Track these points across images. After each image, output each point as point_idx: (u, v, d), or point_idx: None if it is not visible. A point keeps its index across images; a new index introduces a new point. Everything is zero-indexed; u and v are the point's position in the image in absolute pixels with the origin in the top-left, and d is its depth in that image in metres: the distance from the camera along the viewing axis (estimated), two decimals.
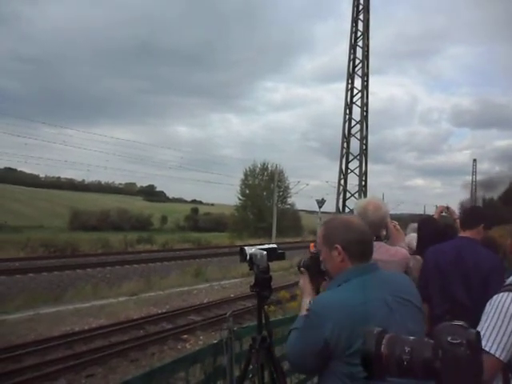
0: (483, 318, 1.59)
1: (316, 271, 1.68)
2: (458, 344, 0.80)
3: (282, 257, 1.92)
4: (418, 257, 3.07)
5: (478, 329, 1.55)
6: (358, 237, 1.54)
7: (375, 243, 2.44)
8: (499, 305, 1.55)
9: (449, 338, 0.81)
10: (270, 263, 1.82)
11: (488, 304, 1.62)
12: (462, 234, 2.86)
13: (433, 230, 3.33)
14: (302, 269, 1.79)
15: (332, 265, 1.57)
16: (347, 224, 1.58)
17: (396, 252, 2.57)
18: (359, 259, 1.53)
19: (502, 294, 1.60)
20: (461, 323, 0.85)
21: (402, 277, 1.72)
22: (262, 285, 1.75)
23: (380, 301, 1.43)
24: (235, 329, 1.84)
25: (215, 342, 1.91)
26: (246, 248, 1.79)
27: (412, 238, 3.70)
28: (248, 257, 1.77)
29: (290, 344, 1.56)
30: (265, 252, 1.78)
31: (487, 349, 1.47)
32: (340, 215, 1.71)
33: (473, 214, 2.93)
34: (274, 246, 1.90)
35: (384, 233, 2.75)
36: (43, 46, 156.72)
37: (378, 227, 2.48)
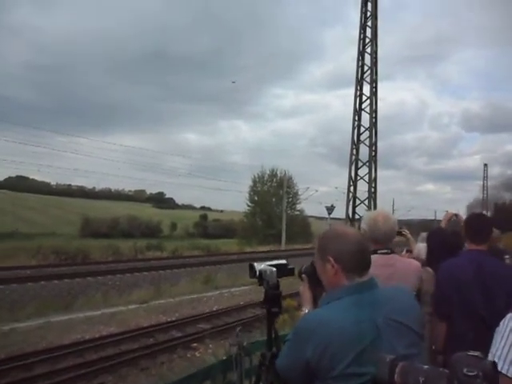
0: (497, 337, 1.54)
1: (316, 279, 1.62)
2: (474, 376, 0.78)
3: (291, 273, 1.90)
4: (429, 269, 3.02)
5: (492, 348, 1.52)
6: (352, 248, 1.45)
7: (389, 256, 2.41)
8: None
9: (465, 370, 0.79)
10: (279, 279, 1.80)
11: (502, 323, 1.57)
12: (471, 246, 2.76)
13: (442, 242, 3.27)
14: (302, 275, 1.75)
15: (326, 278, 1.51)
16: (341, 235, 1.50)
17: (410, 264, 2.53)
18: (354, 272, 1.45)
19: None
20: (476, 354, 0.83)
21: (404, 295, 1.58)
22: (272, 301, 1.73)
23: (369, 323, 1.36)
24: (245, 344, 1.82)
25: (225, 358, 1.89)
26: (255, 264, 1.77)
27: (421, 248, 3.65)
28: (257, 273, 1.76)
29: (280, 356, 1.53)
30: (274, 268, 1.77)
31: (503, 371, 1.42)
32: (335, 226, 1.64)
33: (482, 228, 2.80)
34: (284, 261, 1.88)
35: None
36: (55, 55, 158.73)
37: (389, 238, 2.45)
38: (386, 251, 2.40)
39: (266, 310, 1.75)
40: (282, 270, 1.84)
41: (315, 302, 1.66)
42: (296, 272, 1.90)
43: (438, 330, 2.70)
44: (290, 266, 1.89)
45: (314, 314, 1.49)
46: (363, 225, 2.47)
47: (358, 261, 1.46)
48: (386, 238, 2.40)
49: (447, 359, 2.62)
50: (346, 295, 1.41)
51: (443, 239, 3.32)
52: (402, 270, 2.38)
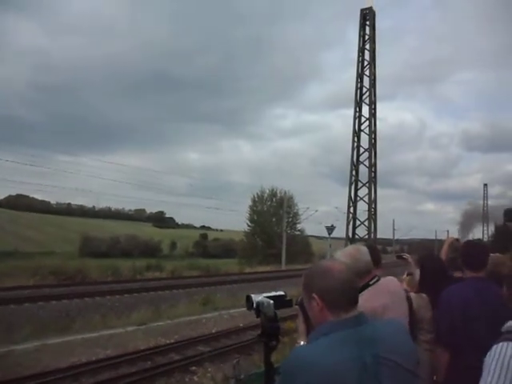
0: (485, 371, 1.50)
1: None
2: None
3: (289, 304, 1.89)
4: (424, 295, 3.00)
5: (481, 383, 1.50)
6: (337, 285, 1.41)
7: (378, 285, 2.39)
8: (500, 357, 1.47)
9: None
10: (277, 311, 1.80)
11: (488, 355, 1.53)
12: (469, 274, 2.75)
13: (435, 267, 3.26)
14: (297, 306, 1.72)
15: (312, 314, 1.48)
16: (326, 271, 1.45)
17: (398, 287, 2.53)
18: (339, 309, 1.40)
19: (501, 344, 1.52)
20: None
21: (397, 331, 1.50)
22: (270, 334, 1.73)
23: (357, 361, 1.30)
24: (242, 377, 1.81)
25: None
26: (252, 296, 1.77)
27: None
28: (255, 305, 1.75)
29: None
30: (272, 301, 1.77)
31: None
32: (321, 262, 1.60)
33: (479, 255, 2.80)
34: (282, 293, 1.87)
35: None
36: (59, 76, 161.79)
37: (371, 266, 2.38)
38: (376, 279, 2.38)
39: (263, 343, 1.74)
40: (280, 302, 1.83)
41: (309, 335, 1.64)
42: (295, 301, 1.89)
43: (440, 359, 2.66)
44: (287, 298, 1.89)
45: (299, 351, 1.46)
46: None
47: (343, 297, 1.41)
48: (370, 267, 2.37)
49: None
50: (332, 331, 1.36)
51: (436, 265, 3.31)
52: (395, 297, 2.38)
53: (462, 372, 2.49)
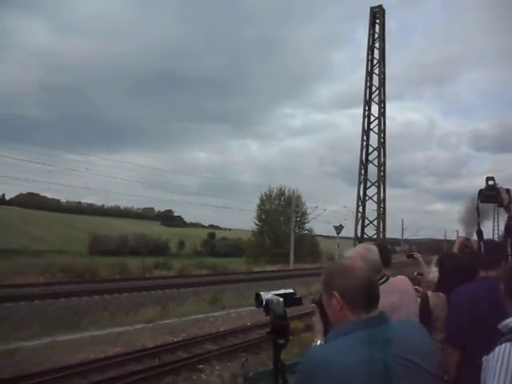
0: (489, 372, 1.46)
1: None
2: None
3: (299, 302, 1.86)
4: (441, 294, 2.96)
5: None
6: (358, 283, 1.39)
7: (388, 284, 2.37)
8: (504, 358, 1.44)
9: None
10: (286, 309, 1.77)
11: (491, 357, 1.49)
12: (485, 273, 2.71)
13: (454, 267, 3.21)
14: (313, 305, 1.69)
15: (332, 312, 1.45)
16: (347, 269, 1.43)
17: (408, 286, 2.50)
18: (361, 308, 1.38)
19: (504, 344, 1.48)
20: None
21: (417, 332, 1.48)
22: (279, 332, 1.70)
23: (378, 362, 1.27)
24: (251, 375, 1.78)
25: None
26: (261, 294, 1.74)
27: (436, 271, 3.59)
28: (264, 302, 1.73)
29: None
30: (281, 298, 1.74)
31: None
32: (342, 260, 1.56)
33: (495, 254, 2.76)
34: (291, 291, 1.85)
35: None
36: (69, 76, 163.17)
37: (380, 266, 2.37)
38: (385, 279, 2.36)
39: (272, 340, 1.71)
40: (290, 300, 1.80)
41: (327, 334, 1.59)
42: (303, 301, 1.87)
43: (450, 359, 2.62)
44: (297, 296, 1.86)
45: (320, 349, 1.45)
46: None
47: (364, 296, 1.39)
48: (379, 266, 2.35)
49: None
50: (353, 331, 1.34)
51: (455, 264, 3.25)
52: (404, 296, 2.35)
53: (471, 371, 2.45)
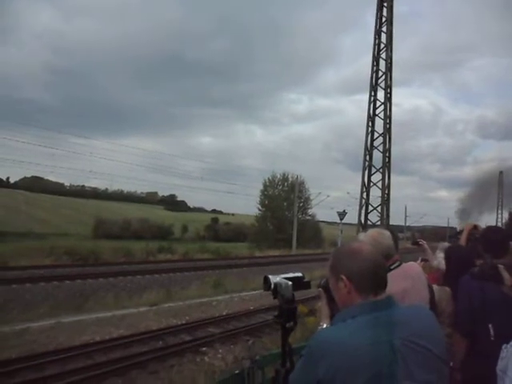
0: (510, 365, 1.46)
1: None
2: None
3: (307, 286, 1.85)
4: (447, 288, 2.94)
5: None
6: (366, 266, 1.38)
7: (401, 269, 2.35)
8: None
9: None
10: (295, 293, 1.76)
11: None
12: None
13: (460, 259, 3.18)
14: (319, 289, 1.69)
15: (339, 296, 1.45)
16: (355, 252, 1.43)
17: (420, 273, 2.49)
18: (368, 292, 1.38)
19: None
20: None
21: (425, 316, 1.47)
22: (287, 316, 1.69)
23: (385, 344, 1.27)
24: (257, 358, 1.78)
25: (237, 372, 1.85)
26: (270, 277, 1.73)
27: (441, 258, 3.57)
28: (272, 286, 1.72)
29: (294, 372, 1.45)
30: (290, 282, 1.73)
31: None
32: (349, 243, 1.55)
33: (500, 241, 2.70)
34: (300, 274, 1.83)
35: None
36: (73, 58, 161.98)
37: (393, 250, 2.37)
38: (397, 264, 2.35)
39: (280, 324, 1.70)
40: (298, 284, 1.79)
41: (333, 318, 1.60)
42: (312, 285, 1.85)
43: (458, 346, 2.61)
44: (305, 279, 1.84)
45: (327, 332, 1.44)
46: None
47: (372, 279, 1.39)
48: (392, 251, 2.34)
49: (465, 377, 2.55)
50: (360, 314, 1.34)
51: (462, 256, 3.22)
52: (416, 282, 2.35)
53: (477, 358, 2.45)
